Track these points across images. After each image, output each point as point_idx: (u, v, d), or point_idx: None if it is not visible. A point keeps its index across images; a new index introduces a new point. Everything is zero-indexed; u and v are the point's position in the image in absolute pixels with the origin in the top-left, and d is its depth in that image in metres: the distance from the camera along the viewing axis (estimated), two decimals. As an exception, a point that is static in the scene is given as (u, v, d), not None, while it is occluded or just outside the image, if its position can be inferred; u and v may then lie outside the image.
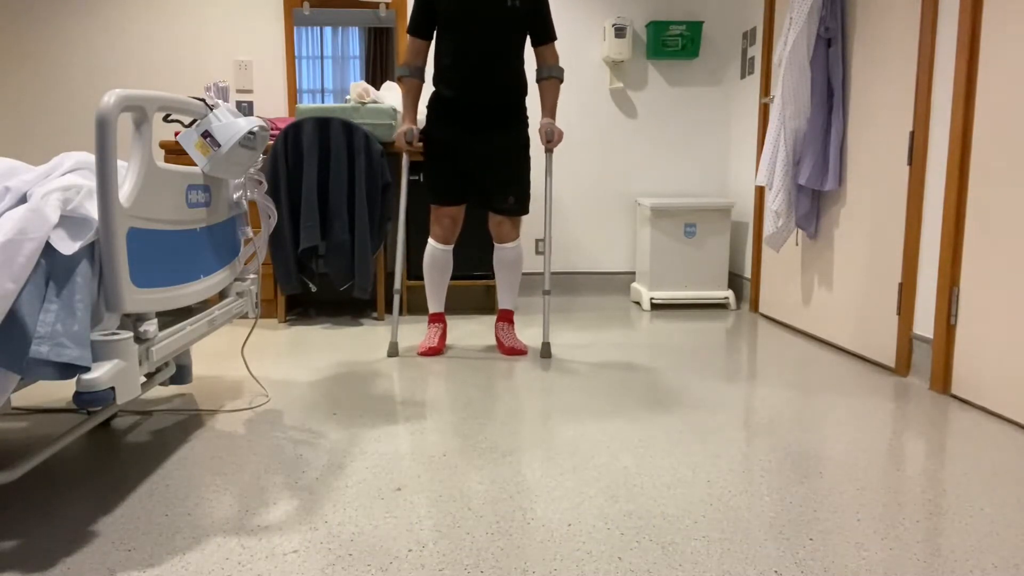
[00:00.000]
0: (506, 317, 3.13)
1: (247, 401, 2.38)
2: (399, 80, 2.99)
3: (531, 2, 2.83)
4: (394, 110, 3.73)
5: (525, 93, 2.96)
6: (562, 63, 4.29)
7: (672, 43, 4.28)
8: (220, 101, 1.91)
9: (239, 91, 4.29)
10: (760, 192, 3.96)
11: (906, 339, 2.70)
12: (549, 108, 2.98)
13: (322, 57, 4.30)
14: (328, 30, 4.28)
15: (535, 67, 3.01)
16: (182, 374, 2.35)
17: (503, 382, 2.60)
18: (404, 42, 4.25)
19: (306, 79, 4.31)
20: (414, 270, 3.86)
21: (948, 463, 1.88)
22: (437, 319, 3.11)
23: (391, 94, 3.92)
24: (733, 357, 3.00)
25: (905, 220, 2.70)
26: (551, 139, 2.95)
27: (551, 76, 2.96)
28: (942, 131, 2.50)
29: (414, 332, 3.44)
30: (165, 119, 2.13)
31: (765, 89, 3.88)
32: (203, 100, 1.89)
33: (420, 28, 2.89)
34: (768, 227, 3.24)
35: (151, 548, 1.43)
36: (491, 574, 1.34)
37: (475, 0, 2.77)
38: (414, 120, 2.97)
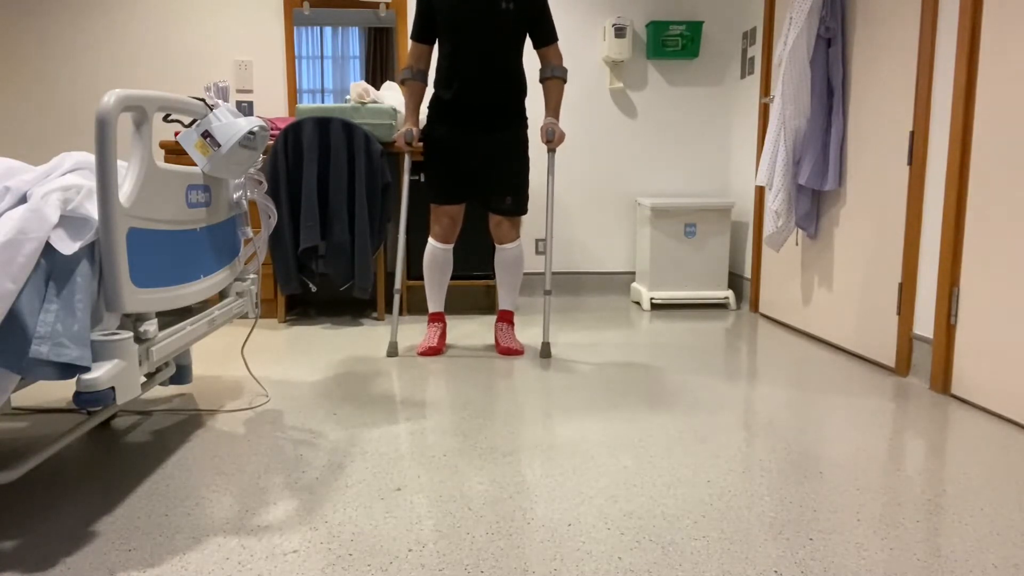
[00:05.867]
0: (506, 318, 3.13)
1: (247, 401, 2.38)
2: (402, 83, 3.01)
3: (529, 4, 2.84)
4: (394, 110, 3.73)
5: (524, 93, 2.96)
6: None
7: (672, 43, 4.28)
8: (220, 101, 1.91)
9: (239, 91, 4.29)
10: (760, 192, 3.96)
11: (906, 339, 2.70)
12: (552, 108, 2.98)
13: (322, 57, 4.30)
14: (328, 30, 4.28)
15: (539, 67, 3.01)
16: (182, 374, 2.35)
17: (503, 382, 2.60)
18: (404, 42, 4.25)
19: (306, 79, 4.31)
20: (414, 270, 3.86)
21: (948, 463, 1.88)
22: (437, 319, 3.11)
23: (391, 94, 3.92)
24: (733, 357, 3.00)
25: (905, 220, 2.70)
26: (552, 139, 2.95)
27: (554, 76, 2.96)
28: (942, 131, 2.50)
29: (414, 332, 3.44)
30: (165, 119, 2.13)
31: (765, 89, 3.88)
32: (203, 100, 1.89)
33: (421, 33, 2.91)
34: (768, 227, 3.24)
35: (151, 548, 1.43)
36: (491, 574, 1.34)
37: (472, 2, 2.78)
38: (416, 122, 2.98)
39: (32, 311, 1.34)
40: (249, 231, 2.22)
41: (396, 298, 3.06)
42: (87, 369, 1.39)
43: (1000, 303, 2.25)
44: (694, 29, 4.27)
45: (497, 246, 3.02)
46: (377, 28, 4.29)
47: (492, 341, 3.26)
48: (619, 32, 4.23)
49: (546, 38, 2.94)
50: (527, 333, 3.43)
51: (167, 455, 1.91)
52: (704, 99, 4.47)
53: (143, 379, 2.11)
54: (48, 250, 1.38)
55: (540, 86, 3.04)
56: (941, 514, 1.59)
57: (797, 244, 3.50)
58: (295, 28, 4.25)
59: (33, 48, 4.21)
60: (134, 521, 1.54)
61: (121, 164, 1.59)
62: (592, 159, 4.47)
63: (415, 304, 4.08)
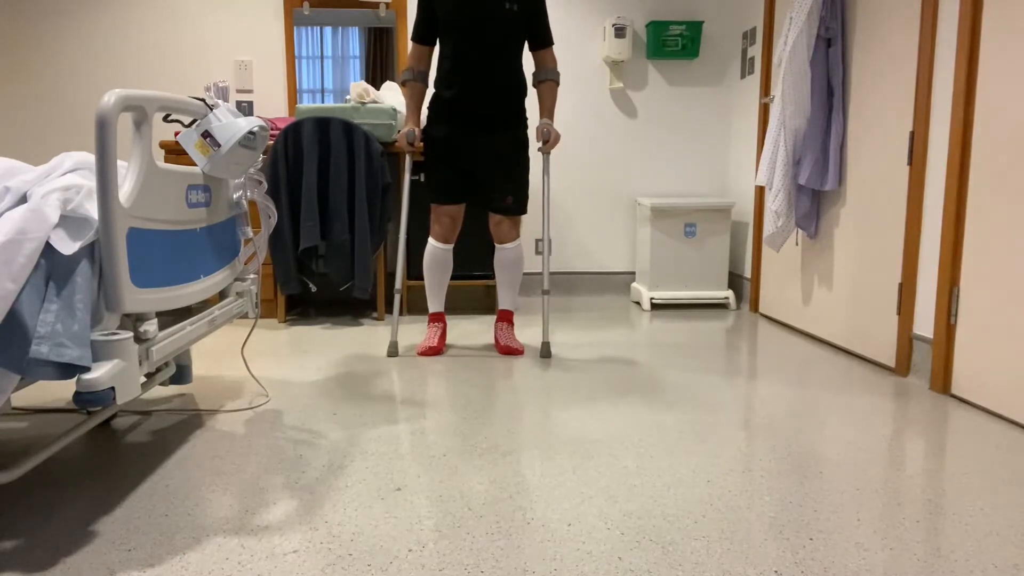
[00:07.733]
0: (505, 317, 3.13)
1: (247, 401, 2.38)
2: (403, 84, 3.01)
3: (529, 5, 2.85)
4: (394, 110, 3.73)
5: (524, 94, 2.97)
6: (562, 63, 4.30)
7: (672, 43, 4.28)
8: (220, 101, 1.91)
9: (239, 91, 4.29)
10: (760, 192, 3.96)
11: (906, 339, 2.70)
12: (547, 110, 3.00)
13: (322, 57, 4.30)
14: (328, 30, 4.28)
15: (533, 70, 3.02)
16: (182, 374, 2.35)
17: (503, 382, 2.60)
18: (404, 42, 4.25)
19: (306, 79, 4.31)
20: (414, 270, 3.86)
21: (948, 463, 1.88)
22: (437, 319, 3.11)
23: (391, 94, 3.92)
24: (733, 357, 3.00)
25: (905, 220, 2.70)
26: (547, 140, 2.96)
27: (548, 79, 2.98)
28: (942, 131, 2.50)
29: (414, 332, 3.44)
30: (165, 119, 2.13)
31: (765, 89, 3.88)
32: (203, 100, 1.89)
33: (422, 34, 2.92)
34: (768, 227, 3.24)
35: (151, 548, 1.43)
36: (491, 574, 1.34)
37: (473, 3, 2.79)
38: (417, 122, 2.99)
39: (32, 311, 1.34)
40: (249, 231, 2.22)
41: (396, 298, 3.06)
42: (87, 369, 1.39)
43: (1000, 303, 2.25)
44: (694, 29, 4.27)
45: (497, 246, 3.02)
46: (377, 28, 4.29)
47: (492, 341, 3.26)
48: (619, 32, 4.23)
49: (544, 41, 2.95)
50: (527, 333, 3.43)
51: (167, 455, 1.91)
52: (704, 99, 4.47)
53: (143, 379, 2.11)
54: (48, 250, 1.38)
55: (534, 88, 3.05)
56: (941, 514, 1.59)
57: (797, 244, 3.50)
58: (295, 28, 4.25)
59: (34, 48, 4.21)
60: (134, 521, 1.54)
61: (121, 164, 1.59)
62: (592, 159, 4.47)
63: (415, 304, 4.08)
